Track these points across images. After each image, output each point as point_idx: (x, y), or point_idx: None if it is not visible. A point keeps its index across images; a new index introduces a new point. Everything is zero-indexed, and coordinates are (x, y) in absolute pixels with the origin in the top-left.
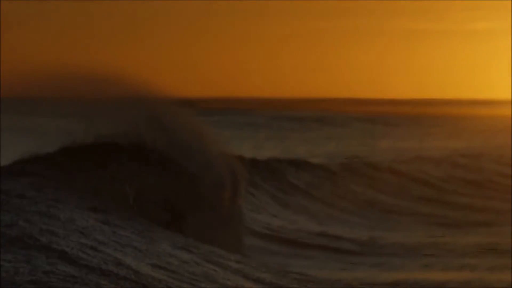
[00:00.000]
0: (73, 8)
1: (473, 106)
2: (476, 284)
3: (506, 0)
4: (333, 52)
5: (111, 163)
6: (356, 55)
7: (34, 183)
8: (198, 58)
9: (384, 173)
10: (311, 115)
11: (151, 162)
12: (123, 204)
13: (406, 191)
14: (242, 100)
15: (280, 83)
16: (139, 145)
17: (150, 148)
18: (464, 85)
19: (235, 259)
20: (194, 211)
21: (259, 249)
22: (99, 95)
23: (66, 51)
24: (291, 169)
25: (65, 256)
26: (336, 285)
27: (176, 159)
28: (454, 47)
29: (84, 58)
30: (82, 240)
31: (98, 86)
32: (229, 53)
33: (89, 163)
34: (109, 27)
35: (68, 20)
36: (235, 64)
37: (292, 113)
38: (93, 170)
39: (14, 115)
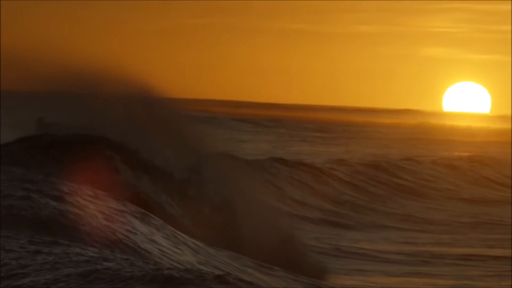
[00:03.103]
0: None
1: (350, 114)
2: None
3: (390, 2)
4: (205, 50)
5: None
6: (230, 55)
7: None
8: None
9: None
10: None
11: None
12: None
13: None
14: None
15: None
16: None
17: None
18: (345, 92)
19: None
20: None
21: None
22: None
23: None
24: None
25: None
26: None
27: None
28: (335, 50)
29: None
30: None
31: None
32: (95, 49)
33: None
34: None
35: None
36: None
37: None
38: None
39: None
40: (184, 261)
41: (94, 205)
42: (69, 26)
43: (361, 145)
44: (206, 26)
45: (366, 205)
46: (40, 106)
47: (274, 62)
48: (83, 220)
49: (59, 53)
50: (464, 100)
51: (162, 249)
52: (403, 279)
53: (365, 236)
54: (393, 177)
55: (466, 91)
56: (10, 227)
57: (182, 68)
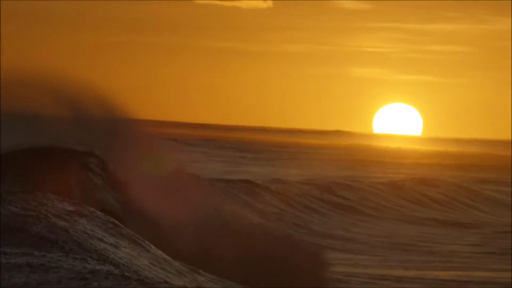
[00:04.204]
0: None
1: (279, 135)
2: None
3: (319, 20)
4: (128, 68)
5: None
6: (154, 73)
7: None
8: None
9: None
10: None
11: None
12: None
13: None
14: None
15: None
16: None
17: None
18: (271, 112)
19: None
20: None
21: None
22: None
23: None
24: None
25: None
26: None
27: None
28: (262, 69)
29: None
30: None
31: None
32: (16, 64)
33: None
34: None
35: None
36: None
37: None
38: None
39: None
40: (123, 257)
41: (46, 207)
42: None
43: (288, 166)
44: (128, 44)
45: (290, 220)
46: None
47: (199, 80)
48: (33, 221)
49: None
50: (395, 122)
51: (112, 248)
52: None
53: None
54: (326, 193)
55: (397, 113)
56: None
57: (104, 86)
